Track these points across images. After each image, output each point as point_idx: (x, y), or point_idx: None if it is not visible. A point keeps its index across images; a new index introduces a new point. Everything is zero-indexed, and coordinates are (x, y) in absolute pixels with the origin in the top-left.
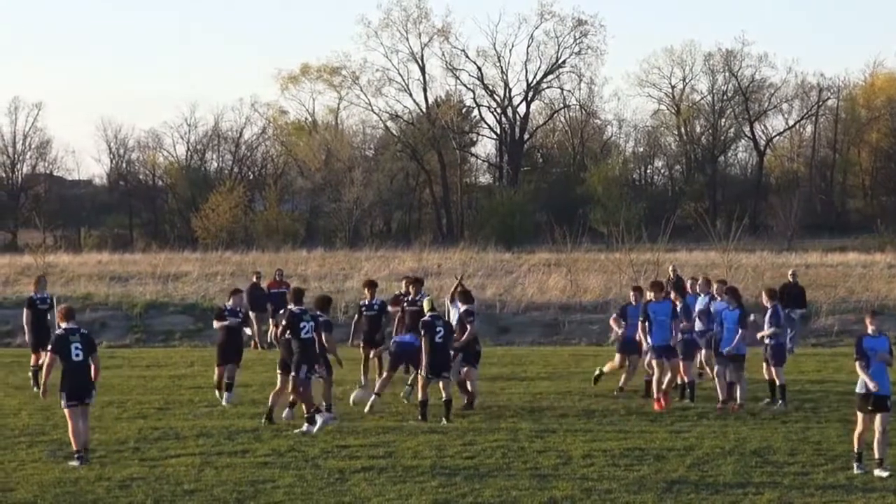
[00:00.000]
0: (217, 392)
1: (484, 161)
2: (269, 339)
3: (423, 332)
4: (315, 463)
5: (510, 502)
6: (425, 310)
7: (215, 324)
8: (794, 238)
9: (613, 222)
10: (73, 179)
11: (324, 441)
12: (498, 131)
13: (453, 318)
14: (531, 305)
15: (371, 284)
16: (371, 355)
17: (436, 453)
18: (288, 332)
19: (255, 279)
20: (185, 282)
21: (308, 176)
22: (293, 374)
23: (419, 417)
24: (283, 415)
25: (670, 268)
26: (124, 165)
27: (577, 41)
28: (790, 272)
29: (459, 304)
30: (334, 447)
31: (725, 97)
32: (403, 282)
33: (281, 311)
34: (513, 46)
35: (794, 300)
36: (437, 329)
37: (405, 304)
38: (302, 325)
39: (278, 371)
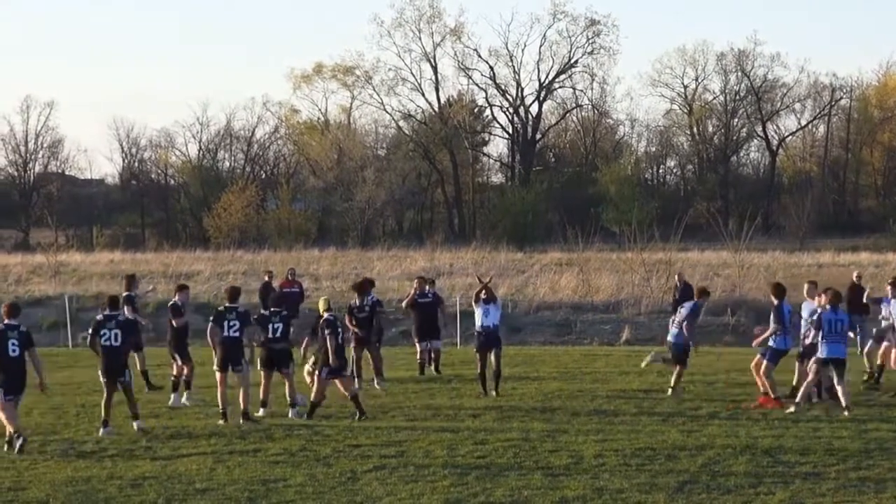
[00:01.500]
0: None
1: (496, 161)
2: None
3: (326, 332)
4: (326, 462)
5: (522, 502)
6: (321, 309)
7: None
8: (807, 238)
9: (625, 222)
10: (85, 178)
11: (335, 441)
12: (510, 131)
13: (478, 319)
14: (543, 305)
15: (363, 285)
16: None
17: (447, 453)
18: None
19: (266, 278)
20: (198, 281)
21: (320, 175)
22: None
23: (306, 416)
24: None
25: (676, 276)
26: (136, 164)
27: (590, 41)
28: (855, 274)
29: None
30: (346, 447)
31: (738, 97)
32: (416, 282)
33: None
34: (525, 46)
35: (859, 305)
36: (339, 329)
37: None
38: (229, 322)
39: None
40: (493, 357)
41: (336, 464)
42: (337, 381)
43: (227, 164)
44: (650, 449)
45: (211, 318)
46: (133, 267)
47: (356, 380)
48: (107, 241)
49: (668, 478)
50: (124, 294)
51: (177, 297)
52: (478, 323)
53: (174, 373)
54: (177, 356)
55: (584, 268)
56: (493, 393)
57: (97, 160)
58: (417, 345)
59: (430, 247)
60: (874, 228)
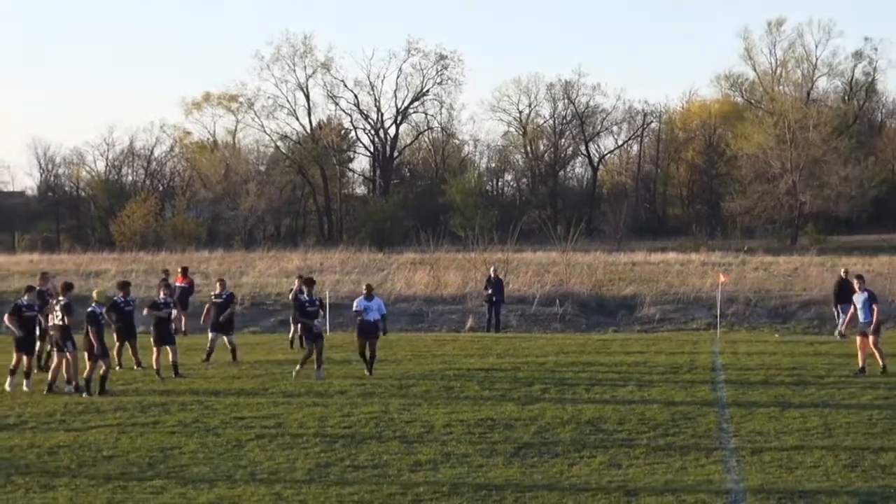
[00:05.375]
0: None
1: (360, 175)
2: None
3: (88, 323)
4: (215, 432)
5: (382, 465)
6: (94, 300)
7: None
8: (623, 240)
9: (470, 227)
10: (7, 191)
11: (223, 414)
12: (372, 150)
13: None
14: (400, 298)
15: (309, 282)
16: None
17: (318, 423)
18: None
19: (163, 276)
20: (105, 278)
21: (210, 188)
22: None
23: (84, 393)
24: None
25: (491, 270)
26: (52, 179)
27: (439, 73)
28: (842, 270)
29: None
30: (232, 419)
31: (565, 121)
32: (296, 280)
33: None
34: (384, 77)
35: (847, 297)
36: (103, 319)
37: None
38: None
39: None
40: (369, 345)
41: (224, 433)
42: (88, 362)
43: (130, 178)
44: (490, 420)
45: (105, 308)
46: (49, 266)
47: (298, 366)
48: (27, 245)
49: (506, 444)
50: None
51: (64, 298)
52: (363, 316)
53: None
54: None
55: (435, 266)
56: (367, 373)
57: (18, 175)
58: (292, 328)
59: (303, 249)
60: (680, 232)
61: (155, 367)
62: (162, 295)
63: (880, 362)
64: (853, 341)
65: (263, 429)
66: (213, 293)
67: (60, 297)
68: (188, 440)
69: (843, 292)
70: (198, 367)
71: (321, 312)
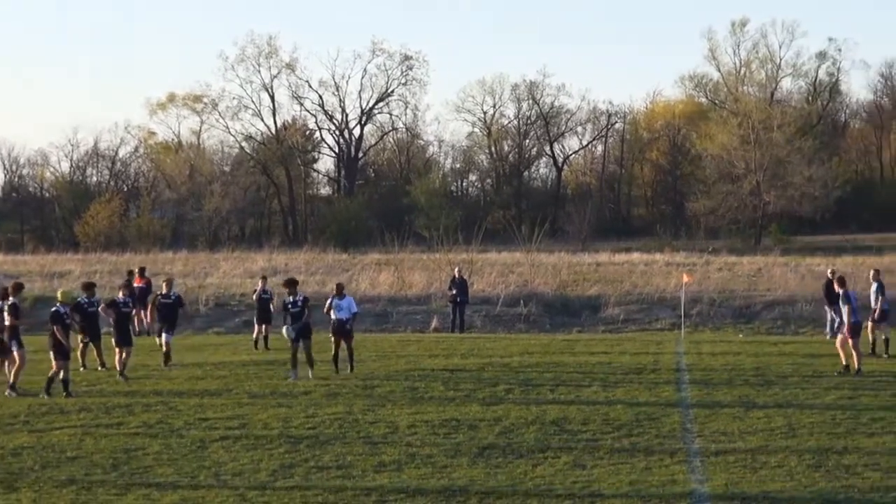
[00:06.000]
0: None
1: (325, 175)
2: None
3: (53, 322)
4: (179, 433)
5: (346, 466)
6: (59, 300)
7: None
8: (587, 240)
9: (434, 228)
10: None
11: (187, 415)
12: (336, 150)
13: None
14: (364, 298)
15: (290, 283)
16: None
17: (283, 424)
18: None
19: (128, 276)
20: (69, 279)
21: (174, 188)
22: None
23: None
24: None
25: (456, 270)
26: (16, 179)
27: (404, 74)
28: (829, 271)
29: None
30: (196, 420)
31: (529, 121)
32: (260, 280)
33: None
34: (349, 78)
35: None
36: (67, 319)
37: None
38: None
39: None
40: (344, 343)
41: (188, 434)
42: (54, 363)
43: (95, 179)
44: (455, 420)
45: (69, 309)
46: (13, 267)
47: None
48: None
49: (471, 445)
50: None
51: (14, 298)
52: (333, 316)
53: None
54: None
55: (400, 267)
56: (348, 370)
57: None
58: (256, 328)
59: (268, 250)
60: (644, 232)
61: (118, 367)
62: (121, 295)
63: (853, 363)
64: (833, 342)
65: (227, 430)
66: (159, 293)
67: (11, 298)
68: (152, 441)
69: (831, 293)
70: (162, 369)
71: (307, 312)
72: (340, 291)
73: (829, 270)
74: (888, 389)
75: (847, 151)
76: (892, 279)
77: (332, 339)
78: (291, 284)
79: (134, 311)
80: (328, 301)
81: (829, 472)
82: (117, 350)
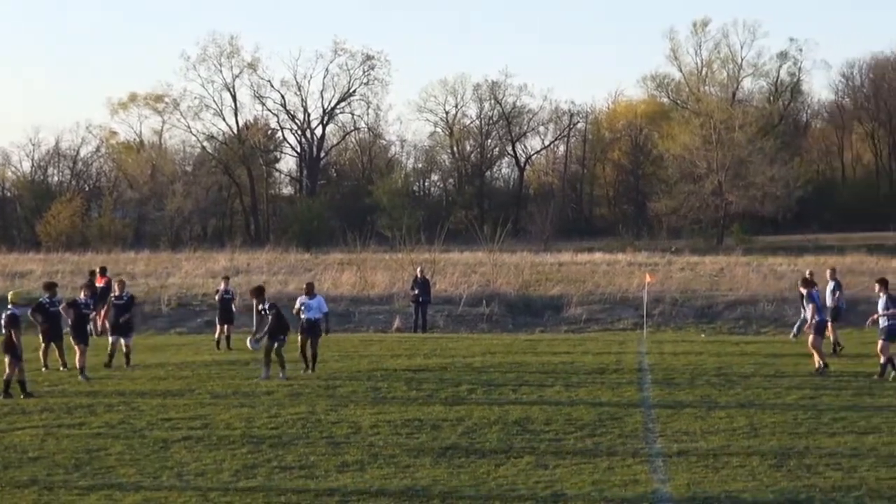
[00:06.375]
0: None
1: (287, 175)
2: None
3: (9, 325)
4: (142, 434)
5: (309, 466)
6: (11, 301)
7: None
8: (550, 240)
9: (397, 227)
10: None
11: (150, 415)
12: (299, 150)
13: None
14: (327, 298)
15: (258, 292)
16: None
17: (245, 424)
18: None
19: (90, 276)
20: (30, 279)
21: (136, 188)
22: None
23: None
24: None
25: (418, 270)
26: None
27: (366, 74)
28: (807, 272)
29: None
30: (159, 420)
31: (491, 121)
32: (222, 281)
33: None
34: (311, 78)
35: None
36: (20, 322)
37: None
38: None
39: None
40: (309, 343)
41: (150, 435)
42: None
43: (56, 178)
44: (418, 420)
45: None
46: None
47: (264, 369)
48: None
49: (433, 445)
50: None
51: None
52: (303, 315)
53: None
54: None
55: (362, 266)
56: (310, 371)
57: None
58: (218, 328)
59: (230, 249)
60: (607, 232)
61: (79, 366)
62: (83, 295)
63: (816, 360)
64: (802, 342)
65: (190, 430)
66: (112, 294)
67: None
68: (114, 442)
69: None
70: (124, 370)
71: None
72: (311, 291)
73: (807, 272)
74: (849, 389)
75: (808, 151)
76: (853, 279)
77: (300, 337)
78: (258, 293)
79: (95, 313)
80: (298, 301)
81: (790, 471)
82: (78, 350)
